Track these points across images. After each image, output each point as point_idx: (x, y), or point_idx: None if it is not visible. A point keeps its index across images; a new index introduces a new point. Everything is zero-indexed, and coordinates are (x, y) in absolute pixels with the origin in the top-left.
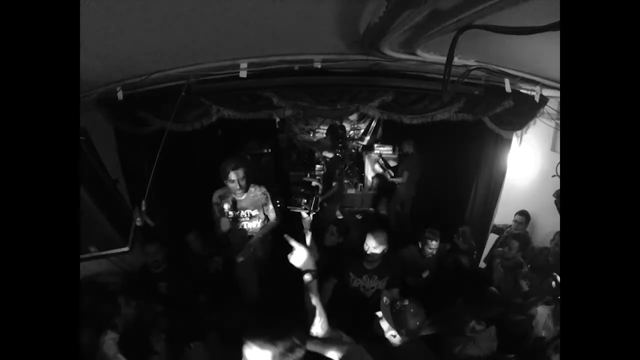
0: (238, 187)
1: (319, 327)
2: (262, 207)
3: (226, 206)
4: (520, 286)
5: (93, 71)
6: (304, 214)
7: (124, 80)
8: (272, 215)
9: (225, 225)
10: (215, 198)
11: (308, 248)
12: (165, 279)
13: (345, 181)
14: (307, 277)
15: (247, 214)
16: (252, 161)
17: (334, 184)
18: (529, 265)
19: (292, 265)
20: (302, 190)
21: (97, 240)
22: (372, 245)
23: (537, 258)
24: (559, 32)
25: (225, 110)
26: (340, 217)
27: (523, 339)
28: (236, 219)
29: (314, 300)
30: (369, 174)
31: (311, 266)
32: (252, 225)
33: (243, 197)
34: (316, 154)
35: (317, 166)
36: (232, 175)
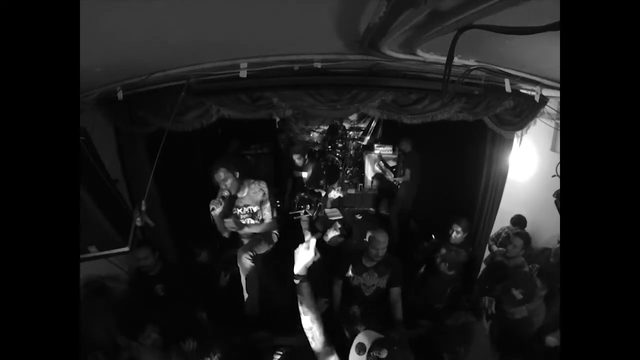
0: (224, 187)
1: (310, 336)
2: (260, 204)
3: (220, 207)
4: (513, 295)
5: (93, 71)
6: (305, 218)
7: (124, 80)
8: (267, 214)
9: (222, 228)
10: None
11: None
12: (161, 280)
13: (346, 181)
14: (295, 280)
15: (249, 211)
16: (251, 161)
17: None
18: (531, 265)
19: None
20: (307, 196)
21: (97, 240)
22: (381, 247)
23: (538, 259)
24: (559, 32)
25: (225, 110)
26: (340, 216)
27: (525, 339)
28: (237, 217)
29: (306, 305)
30: (369, 174)
31: (302, 271)
32: (255, 222)
33: (243, 194)
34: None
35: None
36: (216, 179)
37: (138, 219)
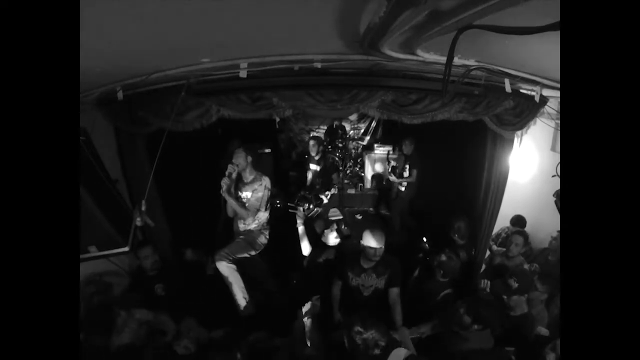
0: (235, 166)
1: None
2: (257, 198)
3: (228, 178)
4: (509, 284)
5: (93, 71)
6: (300, 221)
7: (124, 80)
8: (262, 215)
9: (230, 211)
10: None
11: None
12: (161, 280)
13: (346, 181)
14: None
15: (245, 197)
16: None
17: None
18: (530, 265)
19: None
20: (309, 195)
21: (97, 240)
22: (372, 245)
23: (538, 259)
24: (559, 32)
25: (225, 110)
26: (340, 216)
27: (523, 333)
28: (238, 199)
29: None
30: (369, 174)
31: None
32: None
33: (247, 180)
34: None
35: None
36: (234, 156)
37: (138, 219)
